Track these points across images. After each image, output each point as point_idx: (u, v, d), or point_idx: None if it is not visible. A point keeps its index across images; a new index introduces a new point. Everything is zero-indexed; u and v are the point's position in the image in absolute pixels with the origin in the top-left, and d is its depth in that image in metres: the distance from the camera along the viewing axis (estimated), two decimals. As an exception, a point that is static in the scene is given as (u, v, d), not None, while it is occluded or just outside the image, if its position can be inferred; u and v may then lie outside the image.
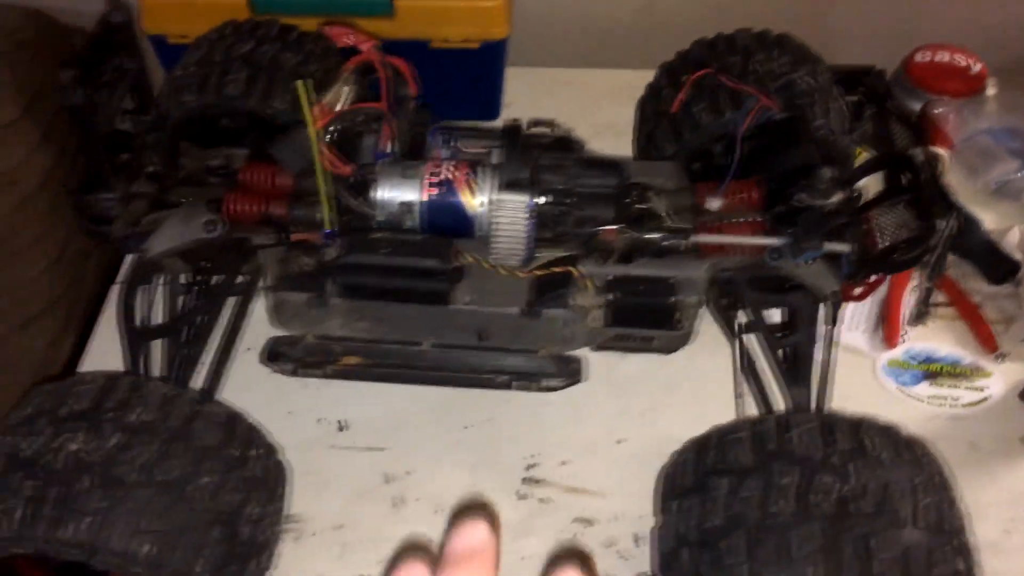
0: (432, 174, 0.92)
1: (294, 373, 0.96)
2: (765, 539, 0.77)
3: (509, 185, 0.92)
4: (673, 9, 1.63)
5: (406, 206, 0.92)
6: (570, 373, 0.97)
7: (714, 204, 0.97)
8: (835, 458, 0.80)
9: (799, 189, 0.87)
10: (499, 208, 0.91)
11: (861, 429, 0.82)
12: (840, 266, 0.93)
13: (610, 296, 0.93)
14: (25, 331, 1.60)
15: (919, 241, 0.89)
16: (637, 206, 0.96)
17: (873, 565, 0.74)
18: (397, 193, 0.92)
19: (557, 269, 0.93)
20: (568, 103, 1.54)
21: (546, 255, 0.96)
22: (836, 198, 0.85)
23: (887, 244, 0.93)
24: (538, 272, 0.94)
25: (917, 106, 1.48)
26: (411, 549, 0.65)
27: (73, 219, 0.94)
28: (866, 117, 1.01)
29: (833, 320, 0.92)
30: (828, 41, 1.21)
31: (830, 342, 0.94)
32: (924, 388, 1.17)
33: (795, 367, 0.93)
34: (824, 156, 0.90)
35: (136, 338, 0.94)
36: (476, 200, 0.92)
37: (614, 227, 0.93)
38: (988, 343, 1.19)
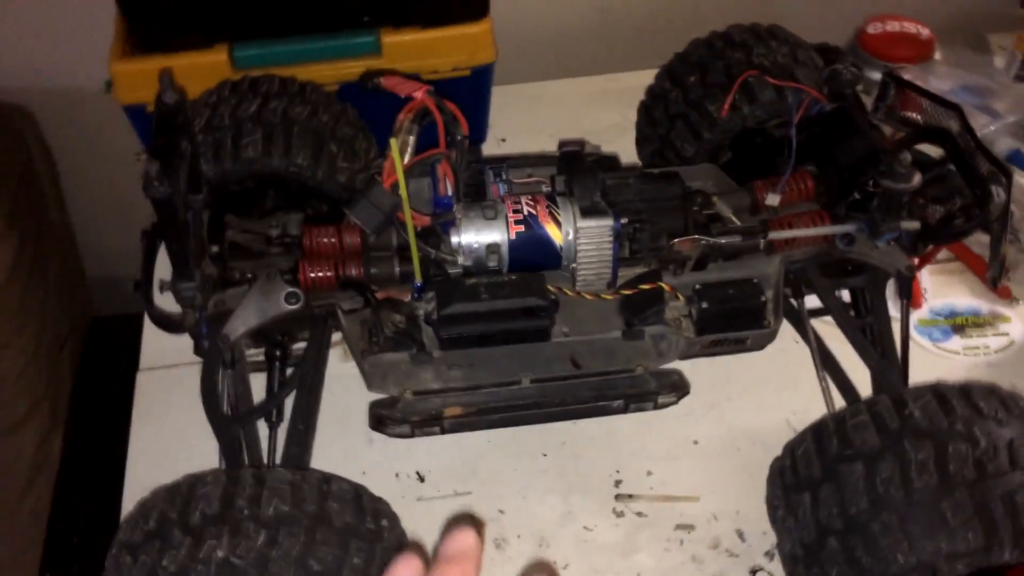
0: (514, 211, 0.92)
1: (412, 435, 0.94)
2: (916, 515, 0.80)
3: (588, 211, 0.93)
4: (629, 11, 1.66)
5: (493, 247, 0.91)
6: (678, 386, 0.98)
7: (774, 200, 0.99)
8: (959, 425, 0.83)
9: (877, 175, 0.90)
10: (585, 235, 0.91)
11: (972, 394, 0.86)
12: (903, 242, 0.97)
13: (703, 304, 0.94)
14: (12, 436, 1.50)
15: (974, 207, 0.93)
16: (704, 212, 0.98)
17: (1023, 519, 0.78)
18: (482, 236, 0.91)
19: (645, 286, 0.93)
20: (548, 116, 1.55)
21: (624, 274, 0.97)
22: (917, 179, 0.89)
23: (942, 215, 0.97)
24: (625, 292, 0.94)
25: (874, 75, 1.55)
26: (409, 547, 0.69)
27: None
28: (891, 96, 1.06)
29: (909, 294, 0.96)
30: (778, 22, 1.26)
31: (907, 316, 0.98)
32: (956, 342, 1.23)
33: (879, 344, 0.97)
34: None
35: (228, 426, 0.90)
36: (562, 231, 0.92)
37: (688, 237, 0.95)
38: (1001, 290, 1.27)
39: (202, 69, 1.25)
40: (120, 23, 1.31)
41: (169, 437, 1.12)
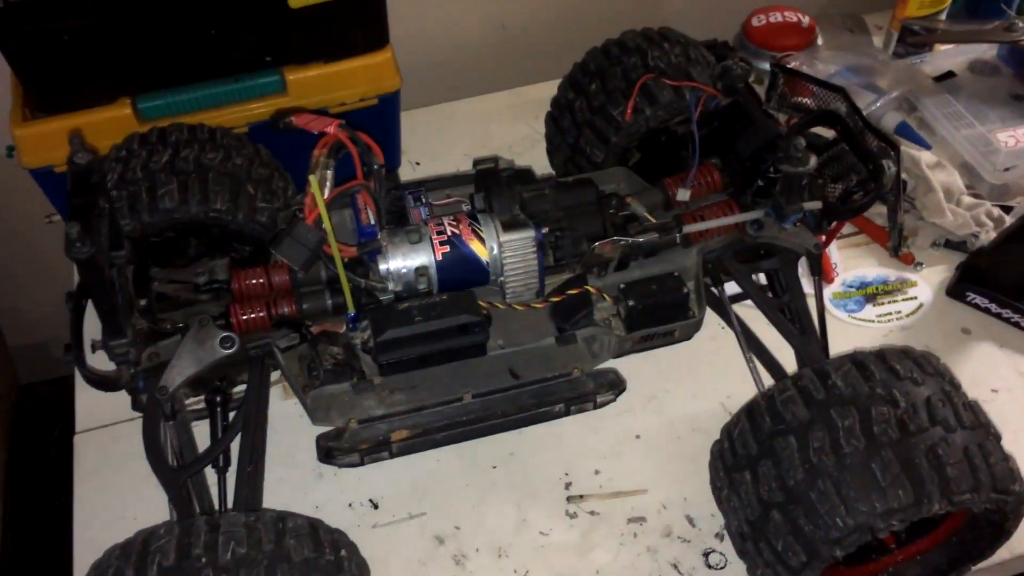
0: (438, 233, 0.94)
1: (361, 463, 0.95)
2: (850, 479, 0.84)
3: (509, 225, 0.95)
4: (526, 26, 1.70)
5: (421, 270, 0.93)
6: (615, 383, 1.01)
7: (684, 195, 1.03)
8: (879, 389, 0.88)
9: (776, 161, 0.95)
10: (509, 249, 0.94)
11: (888, 357, 0.91)
12: (808, 222, 1.02)
13: (630, 302, 0.97)
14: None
15: (869, 182, 0.99)
16: (620, 214, 1.02)
17: (947, 471, 0.83)
18: (409, 260, 0.93)
19: (572, 291, 0.96)
20: (459, 134, 1.58)
21: (551, 281, 1.00)
22: (813, 162, 0.94)
23: (840, 192, 1.03)
24: (554, 299, 0.97)
25: (764, 66, 1.61)
26: None
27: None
28: (780, 85, 1.11)
29: (820, 271, 1.01)
30: (667, 23, 1.31)
31: (820, 291, 1.03)
32: (869, 311, 1.29)
33: (797, 321, 1.02)
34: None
35: (175, 477, 0.89)
36: (486, 247, 0.94)
37: (608, 240, 0.98)
38: (904, 257, 1.33)
39: (107, 125, 1.24)
40: (16, 87, 1.29)
41: (114, 496, 1.10)
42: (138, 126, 1.25)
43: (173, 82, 1.28)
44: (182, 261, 1.05)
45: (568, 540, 1.07)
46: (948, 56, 1.59)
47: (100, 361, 0.95)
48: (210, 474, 0.99)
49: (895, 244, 1.00)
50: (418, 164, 1.53)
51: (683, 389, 1.21)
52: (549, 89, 1.32)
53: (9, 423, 1.72)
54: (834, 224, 1.05)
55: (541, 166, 1.32)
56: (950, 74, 1.56)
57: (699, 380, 1.21)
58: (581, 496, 1.11)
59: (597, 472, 1.13)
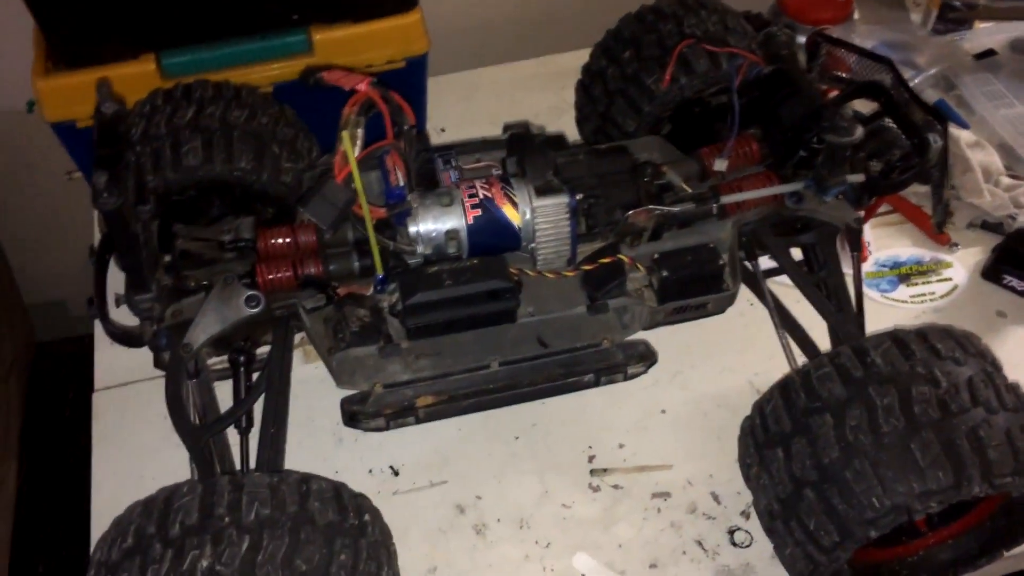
0: (470, 196, 0.91)
1: (386, 427, 0.93)
2: (887, 459, 0.82)
3: (543, 190, 0.93)
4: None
5: (452, 233, 0.91)
6: (646, 355, 0.98)
7: (722, 165, 1.01)
8: (920, 368, 0.86)
9: (821, 131, 0.92)
10: (542, 215, 0.92)
11: (929, 336, 0.89)
12: (849, 196, 0.99)
13: (663, 273, 0.95)
14: (-37, 472, 1.45)
15: (914, 157, 0.96)
16: (656, 183, 0.99)
17: (989, 453, 0.81)
18: (440, 223, 0.91)
19: (605, 260, 0.94)
20: (485, 102, 1.55)
21: (582, 250, 0.97)
22: (859, 133, 0.91)
23: (881, 167, 1.00)
24: (586, 267, 0.95)
25: (799, 39, 1.58)
26: None
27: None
28: (822, 55, 1.08)
29: (859, 246, 0.98)
30: None
31: (859, 267, 1.00)
32: (903, 291, 1.27)
33: (834, 297, 0.99)
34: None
35: (197, 436, 0.88)
36: (519, 212, 0.92)
37: (643, 208, 0.96)
38: (940, 237, 1.30)
39: (130, 80, 1.22)
40: (40, 40, 1.27)
41: (133, 455, 1.09)
42: (161, 82, 1.23)
43: (198, 38, 1.26)
44: (204, 221, 1.03)
45: (591, 513, 1.06)
46: (989, 33, 1.56)
47: (122, 317, 0.94)
48: (230, 435, 0.98)
49: (939, 220, 0.97)
50: (443, 131, 1.51)
51: (710, 365, 1.19)
52: (577, 58, 1.29)
53: (26, 380, 1.72)
54: (873, 200, 1.03)
55: (569, 137, 1.29)
56: (990, 52, 1.52)
57: (727, 356, 1.19)
58: (605, 469, 1.09)
59: (621, 446, 1.11)
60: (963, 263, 1.29)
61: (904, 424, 0.82)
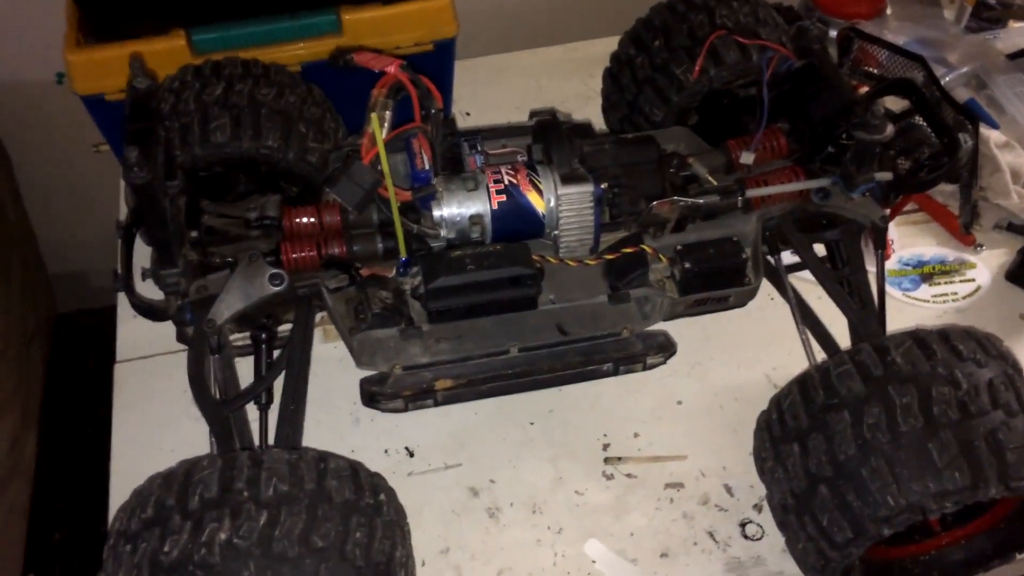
0: (495, 181, 0.92)
1: (405, 409, 0.94)
2: (904, 458, 0.82)
3: (568, 178, 0.93)
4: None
5: (476, 218, 0.91)
6: (665, 346, 0.98)
7: (748, 158, 1.00)
8: (940, 368, 0.85)
9: (851, 127, 0.92)
10: (566, 202, 0.92)
11: (951, 337, 0.89)
12: (876, 194, 0.99)
13: (686, 265, 0.95)
14: (-17, 438, 1.47)
15: (943, 156, 0.95)
16: (681, 174, 0.99)
17: (1007, 456, 0.81)
18: (464, 207, 0.91)
19: (628, 250, 0.94)
20: (511, 88, 1.55)
21: (606, 239, 0.97)
22: (890, 130, 0.90)
23: (910, 166, 0.99)
24: (608, 256, 0.95)
25: (830, 34, 1.57)
26: None
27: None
28: (854, 51, 1.07)
29: (884, 245, 0.98)
30: None
31: (883, 266, 1.00)
32: (925, 290, 1.26)
33: (857, 294, 0.99)
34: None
35: (218, 411, 0.89)
36: (543, 199, 0.92)
37: (668, 199, 0.95)
38: (965, 237, 1.29)
39: (160, 55, 1.23)
40: (72, 12, 1.28)
41: (152, 426, 1.11)
42: (191, 58, 1.23)
43: (229, 16, 1.27)
44: (230, 197, 1.04)
45: (603, 501, 1.06)
46: (1022, 33, 1.53)
47: (146, 290, 0.94)
48: (249, 411, 0.98)
49: (966, 221, 0.97)
50: (468, 115, 1.51)
51: (728, 358, 1.19)
52: (606, 46, 1.29)
53: (47, 350, 1.73)
54: (900, 198, 1.02)
55: (595, 125, 1.29)
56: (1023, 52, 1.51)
57: (744, 350, 1.19)
58: (619, 458, 1.09)
59: (636, 435, 1.12)
60: (987, 264, 1.28)
61: (922, 424, 0.82)
